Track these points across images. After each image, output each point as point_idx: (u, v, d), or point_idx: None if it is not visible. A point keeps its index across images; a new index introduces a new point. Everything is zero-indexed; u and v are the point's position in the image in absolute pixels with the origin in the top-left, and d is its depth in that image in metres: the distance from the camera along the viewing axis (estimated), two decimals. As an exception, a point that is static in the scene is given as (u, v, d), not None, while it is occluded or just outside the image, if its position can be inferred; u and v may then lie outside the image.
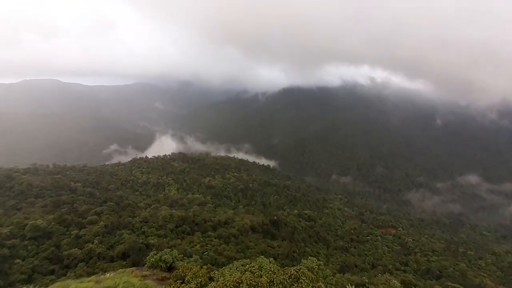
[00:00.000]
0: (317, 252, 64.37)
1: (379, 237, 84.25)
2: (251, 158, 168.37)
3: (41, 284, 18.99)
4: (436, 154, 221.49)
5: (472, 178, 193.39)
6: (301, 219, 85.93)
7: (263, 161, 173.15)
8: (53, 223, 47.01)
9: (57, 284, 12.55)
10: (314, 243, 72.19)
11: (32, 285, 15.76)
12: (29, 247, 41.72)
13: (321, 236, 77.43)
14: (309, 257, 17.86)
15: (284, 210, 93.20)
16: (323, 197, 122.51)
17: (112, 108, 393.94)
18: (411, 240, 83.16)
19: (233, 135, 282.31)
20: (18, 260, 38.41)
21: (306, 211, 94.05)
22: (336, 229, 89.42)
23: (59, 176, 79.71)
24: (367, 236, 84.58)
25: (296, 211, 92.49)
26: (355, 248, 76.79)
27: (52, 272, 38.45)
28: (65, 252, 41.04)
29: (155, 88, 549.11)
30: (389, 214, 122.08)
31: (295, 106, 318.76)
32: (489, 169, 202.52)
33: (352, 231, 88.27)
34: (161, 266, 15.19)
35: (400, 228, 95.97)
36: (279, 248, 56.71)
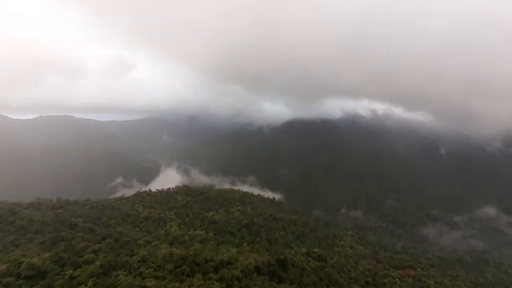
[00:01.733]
0: (329, 299, 58.32)
1: (397, 279, 76.58)
2: (256, 191, 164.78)
3: None
4: (449, 185, 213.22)
5: (490, 211, 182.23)
6: (310, 258, 79.63)
7: (268, 194, 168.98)
8: (48, 261, 44.87)
9: None
10: (325, 287, 65.82)
11: None
12: (22, 287, 39.46)
13: (333, 279, 70.67)
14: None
15: (292, 248, 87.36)
16: (333, 233, 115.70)
17: (120, 142, 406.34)
18: (433, 283, 75.21)
19: (238, 167, 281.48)
20: None
21: (315, 250, 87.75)
22: (349, 271, 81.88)
23: (60, 211, 78.63)
24: (384, 279, 76.96)
25: (304, 249, 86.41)
26: (370, 292, 69.55)
27: None
28: (56, 296, 38.35)
29: (164, 122, 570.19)
30: (405, 252, 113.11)
31: (299, 137, 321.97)
32: (506, 200, 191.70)
33: (367, 272, 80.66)
34: None
35: (420, 269, 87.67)
36: (286, 293, 51.73)
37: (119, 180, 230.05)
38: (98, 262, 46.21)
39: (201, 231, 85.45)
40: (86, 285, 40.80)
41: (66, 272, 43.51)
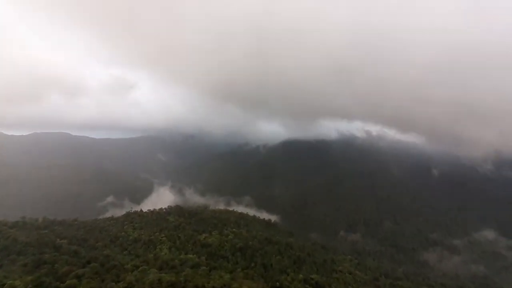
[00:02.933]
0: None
1: (399, 309, 72.45)
2: (251, 212, 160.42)
3: None
4: (445, 207, 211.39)
5: (489, 234, 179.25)
6: (307, 285, 75.39)
7: (264, 215, 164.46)
8: (30, 285, 41.63)
9: None
10: (324, 317, 61.71)
11: None
12: None
13: (331, 308, 66.74)
14: None
15: (288, 274, 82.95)
16: (331, 257, 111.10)
17: (114, 160, 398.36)
18: (437, 312, 71.25)
19: (233, 187, 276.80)
20: None
21: (313, 276, 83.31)
22: (348, 299, 77.85)
23: (45, 231, 74.63)
24: (385, 308, 72.85)
25: (301, 275, 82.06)
26: (372, 323, 65.17)
27: None
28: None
29: (159, 140, 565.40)
30: (407, 278, 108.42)
31: (295, 158, 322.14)
32: (503, 222, 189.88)
33: (367, 301, 76.62)
34: None
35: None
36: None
37: (109, 199, 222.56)
38: (80, 289, 42.94)
39: (193, 255, 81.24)
40: (65, 316, 37.43)
41: (45, 300, 40.19)
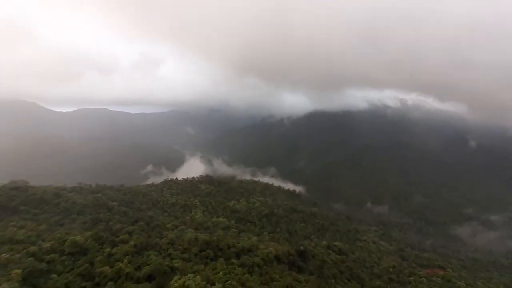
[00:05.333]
0: (350, 291, 58.37)
1: (423, 278, 73.78)
2: (276, 182, 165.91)
3: None
4: (484, 181, 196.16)
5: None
6: (330, 251, 79.64)
7: (289, 186, 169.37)
8: (90, 239, 49.93)
9: None
10: (346, 281, 65.56)
11: None
12: (66, 262, 43.73)
13: (354, 273, 70.32)
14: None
15: (312, 240, 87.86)
16: (355, 227, 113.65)
17: (149, 133, 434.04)
18: (464, 284, 71.42)
19: (258, 159, 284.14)
20: (54, 275, 40.09)
21: (336, 243, 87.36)
22: (372, 266, 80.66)
23: (99, 195, 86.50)
24: (409, 277, 74.54)
25: (324, 242, 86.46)
26: (394, 289, 68.02)
27: None
28: (97, 270, 42.96)
29: (187, 114, 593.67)
30: (434, 251, 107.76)
31: (320, 130, 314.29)
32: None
33: (390, 269, 78.75)
34: None
35: (450, 270, 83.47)
36: (306, 283, 52.64)
37: (149, 168, 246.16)
38: (132, 242, 50.86)
39: (224, 218, 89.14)
40: (122, 262, 45.31)
41: (105, 250, 48.52)
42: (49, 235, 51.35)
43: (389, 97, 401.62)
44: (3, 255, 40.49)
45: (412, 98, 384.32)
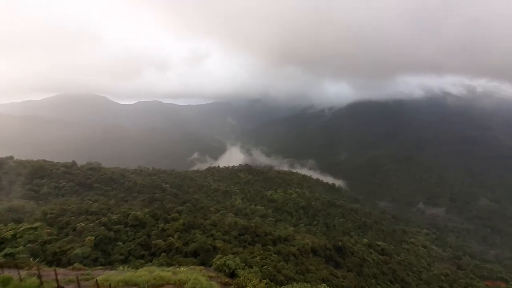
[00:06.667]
0: (392, 294, 55.44)
1: (481, 291, 65.58)
2: (315, 175, 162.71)
3: (133, 266, 21.64)
4: None
5: None
6: (372, 250, 76.01)
7: (328, 179, 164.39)
8: (147, 215, 58.14)
9: (145, 268, 14.89)
10: (388, 283, 62.16)
11: (126, 266, 18.29)
12: (129, 233, 51.46)
13: (398, 276, 66.13)
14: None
15: (351, 237, 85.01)
16: (402, 228, 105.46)
17: (195, 123, 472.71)
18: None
19: (297, 150, 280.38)
20: (119, 243, 47.44)
21: (379, 243, 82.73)
22: (420, 271, 74.28)
23: (155, 177, 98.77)
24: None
25: (365, 240, 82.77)
26: (445, 299, 62.07)
27: (142, 257, 46.64)
28: (153, 242, 49.99)
29: (228, 106, 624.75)
30: (498, 262, 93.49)
31: (365, 121, 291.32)
32: None
33: (443, 277, 71.42)
34: (225, 270, 16.53)
35: (515, 284, 71.99)
36: (343, 279, 52.00)
37: (195, 155, 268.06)
38: (181, 221, 57.33)
39: (261, 207, 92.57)
40: (173, 237, 51.73)
41: (159, 225, 55.87)
42: (116, 209, 61.41)
43: (451, 84, 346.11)
44: (79, 223, 49.81)
45: (481, 84, 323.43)
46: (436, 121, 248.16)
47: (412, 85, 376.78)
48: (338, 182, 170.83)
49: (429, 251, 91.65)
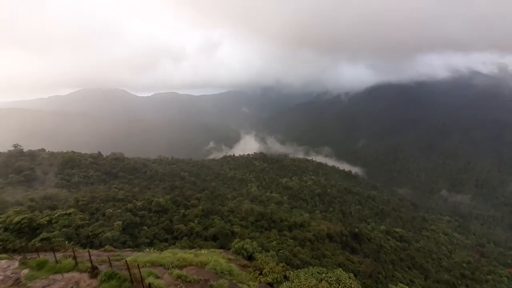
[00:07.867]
0: (410, 281, 54.73)
1: (505, 278, 63.32)
2: (331, 162, 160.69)
3: (158, 249, 22.88)
4: None
5: None
6: (389, 237, 75.20)
7: (344, 166, 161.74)
8: (169, 202, 61.46)
9: (169, 250, 15.89)
10: (406, 269, 61.73)
11: (152, 248, 19.52)
12: (153, 218, 55.01)
13: (417, 263, 65.36)
14: (399, 284, 16.57)
15: (368, 224, 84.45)
16: (421, 215, 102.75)
17: (210, 113, 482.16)
18: None
19: (312, 137, 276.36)
20: (144, 227, 51.04)
21: (397, 229, 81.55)
22: (440, 259, 72.86)
23: (174, 166, 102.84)
24: (487, 275, 65.10)
25: (383, 227, 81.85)
26: (467, 286, 60.71)
27: (166, 240, 50.13)
28: (175, 226, 53.03)
29: (242, 94, 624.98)
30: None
31: (384, 106, 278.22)
32: None
33: (464, 264, 69.70)
34: (243, 253, 17.46)
35: (543, 273, 68.55)
36: (360, 264, 52.40)
37: (211, 144, 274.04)
38: (200, 207, 59.92)
39: (277, 194, 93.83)
40: (193, 222, 54.43)
41: (180, 211, 58.89)
42: (140, 196, 65.36)
43: (480, 62, 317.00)
44: (108, 209, 53.90)
45: None
46: (462, 104, 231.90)
47: (436, 65, 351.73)
48: (355, 170, 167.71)
49: (450, 239, 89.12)
